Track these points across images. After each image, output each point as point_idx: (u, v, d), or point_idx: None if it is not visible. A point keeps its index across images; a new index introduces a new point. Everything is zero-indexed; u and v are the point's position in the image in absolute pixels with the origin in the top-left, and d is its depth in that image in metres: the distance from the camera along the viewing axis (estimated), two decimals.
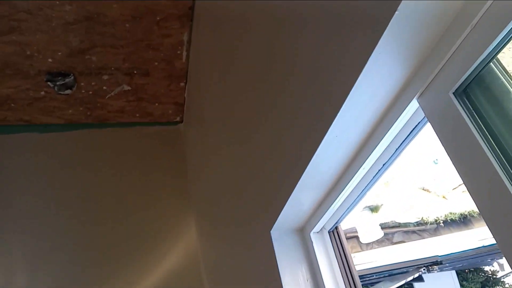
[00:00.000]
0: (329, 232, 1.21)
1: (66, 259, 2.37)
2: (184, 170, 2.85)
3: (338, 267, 1.17)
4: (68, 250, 2.42)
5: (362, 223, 6.16)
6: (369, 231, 6.26)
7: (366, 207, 6.42)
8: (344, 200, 1.10)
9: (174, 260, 2.53)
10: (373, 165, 1.01)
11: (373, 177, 1.04)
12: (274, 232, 1.17)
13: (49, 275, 2.33)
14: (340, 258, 1.18)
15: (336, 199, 1.07)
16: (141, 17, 2.22)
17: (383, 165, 1.00)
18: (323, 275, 1.15)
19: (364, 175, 1.04)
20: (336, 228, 1.22)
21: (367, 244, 6.73)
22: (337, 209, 1.12)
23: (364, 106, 0.81)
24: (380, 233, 6.43)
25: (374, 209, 6.62)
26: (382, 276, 6.27)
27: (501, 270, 8.15)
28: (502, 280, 8.21)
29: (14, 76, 2.39)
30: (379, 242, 6.98)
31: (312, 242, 1.18)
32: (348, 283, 1.14)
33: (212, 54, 1.81)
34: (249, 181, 1.37)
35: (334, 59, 0.79)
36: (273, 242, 1.16)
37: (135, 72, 2.54)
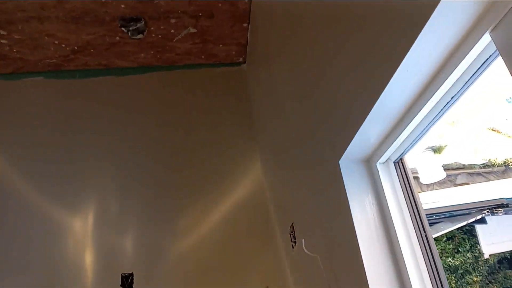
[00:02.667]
0: (394, 163, 1.28)
1: (150, 187, 2.67)
2: (248, 108, 2.98)
3: (403, 195, 1.25)
4: (149, 181, 2.71)
5: (424, 163, 6.05)
6: (431, 172, 6.15)
7: (428, 147, 6.25)
8: (411, 132, 1.15)
9: (241, 192, 2.74)
10: (442, 98, 1.04)
11: (441, 109, 1.07)
12: (343, 162, 1.27)
13: (136, 204, 2.65)
14: (404, 187, 1.25)
15: (403, 130, 1.12)
16: None
17: (452, 97, 1.03)
18: (388, 202, 1.24)
19: (432, 108, 1.07)
20: (401, 159, 1.28)
21: (428, 185, 6.64)
22: (403, 140, 1.18)
23: (437, 39, 0.83)
24: (442, 174, 6.29)
25: (437, 149, 6.43)
26: (442, 217, 6.23)
27: None
28: None
29: (92, 23, 2.58)
30: (441, 184, 6.84)
31: (378, 172, 1.27)
32: (412, 209, 1.22)
33: None
34: (317, 115, 1.45)
35: None
36: (342, 171, 1.25)
37: (200, 14, 2.62)
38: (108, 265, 2.49)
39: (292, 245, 1.96)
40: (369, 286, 1.17)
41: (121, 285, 2.46)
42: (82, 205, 2.61)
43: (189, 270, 2.53)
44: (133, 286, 2.46)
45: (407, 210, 1.25)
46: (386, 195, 1.24)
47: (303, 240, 1.49)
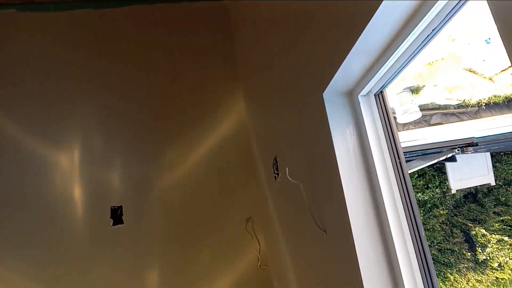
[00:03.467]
0: (375, 95, 1.35)
1: (134, 124, 2.70)
2: (231, 47, 2.96)
3: (381, 126, 1.33)
4: (133, 118, 2.73)
5: (401, 103, 6.21)
6: (408, 112, 6.33)
7: (406, 88, 6.38)
8: (392, 65, 1.20)
9: (225, 129, 2.81)
10: (422, 31, 1.08)
11: (421, 43, 1.12)
12: (326, 95, 1.33)
13: (121, 140, 2.68)
14: (383, 118, 1.33)
15: (384, 63, 1.18)
16: None
17: (432, 30, 1.08)
18: (368, 133, 1.32)
19: (412, 42, 1.12)
20: (382, 92, 1.35)
21: (404, 125, 6.86)
22: (384, 73, 1.24)
23: None
24: (418, 114, 6.49)
25: (415, 90, 6.58)
26: (415, 155, 6.52)
27: None
28: None
29: None
30: (416, 123, 7.07)
31: (359, 104, 1.34)
32: (389, 139, 1.31)
33: None
34: (302, 50, 1.48)
35: None
36: (325, 104, 1.32)
37: None
38: (97, 199, 2.58)
39: (275, 176, 2.07)
40: (348, 211, 1.28)
41: (110, 217, 2.56)
42: (67, 142, 2.63)
43: (176, 202, 2.65)
44: (122, 218, 2.57)
45: (385, 140, 1.34)
46: (366, 126, 1.33)
47: (287, 168, 1.58)
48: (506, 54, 0.77)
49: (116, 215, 2.57)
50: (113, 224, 2.55)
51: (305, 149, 1.59)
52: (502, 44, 0.77)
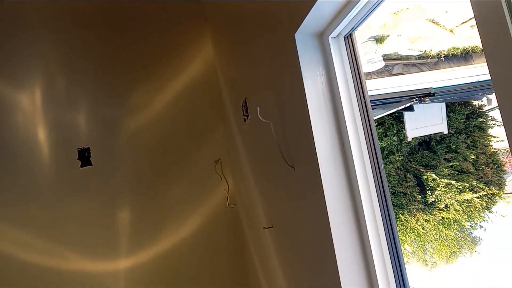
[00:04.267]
0: (344, 37, 1.40)
1: (99, 66, 2.63)
2: None
3: (349, 67, 1.40)
4: (97, 57, 2.64)
5: (366, 52, 6.31)
6: (371, 61, 6.46)
7: (371, 37, 6.46)
8: (362, 7, 1.25)
9: (193, 72, 2.79)
10: None
11: None
12: (298, 35, 1.36)
13: (85, 80, 2.61)
14: (351, 60, 1.40)
15: (355, 5, 1.22)
16: None
17: None
18: (336, 73, 1.39)
19: None
20: (351, 35, 1.40)
21: (367, 74, 7.02)
22: (354, 15, 1.28)
23: None
24: (381, 64, 6.65)
25: (379, 39, 6.68)
26: (376, 104, 6.77)
27: (488, 105, 8.68)
28: (486, 113, 8.78)
29: None
30: (379, 73, 7.26)
31: (329, 45, 1.39)
32: (356, 80, 1.39)
33: None
34: None
35: None
36: (297, 44, 1.36)
37: None
38: (63, 141, 2.55)
39: (244, 118, 2.13)
40: (316, 147, 1.37)
41: (78, 159, 2.56)
42: (27, 82, 2.54)
43: (145, 144, 2.67)
44: (91, 160, 2.57)
45: (352, 81, 1.41)
46: (335, 67, 1.39)
47: (258, 108, 1.64)
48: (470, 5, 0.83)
49: (84, 157, 2.57)
50: (81, 166, 2.56)
51: (275, 90, 1.64)
52: None
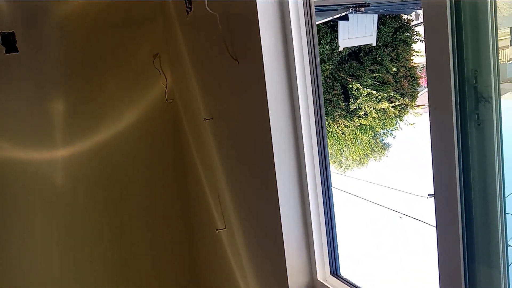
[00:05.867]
0: None
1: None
2: None
3: None
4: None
5: None
6: None
7: None
8: None
9: None
10: None
11: None
12: None
13: None
14: None
15: None
16: None
17: None
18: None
19: None
20: None
21: None
22: None
23: None
24: None
25: None
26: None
27: (416, 20, 9.11)
28: (412, 28, 9.23)
29: None
30: None
31: None
32: None
33: None
34: None
35: None
36: None
37: None
38: None
39: (187, 11, 2.09)
40: (261, 41, 1.44)
41: (2, 44, 2.37)
42: None
43: (75, 30, 2.52)
44: (17, 46, 2.40)
45: None
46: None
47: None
48: None
49: (9, 42, 2.37)
50: (6, 52, 2.38)
51: None
52: None
